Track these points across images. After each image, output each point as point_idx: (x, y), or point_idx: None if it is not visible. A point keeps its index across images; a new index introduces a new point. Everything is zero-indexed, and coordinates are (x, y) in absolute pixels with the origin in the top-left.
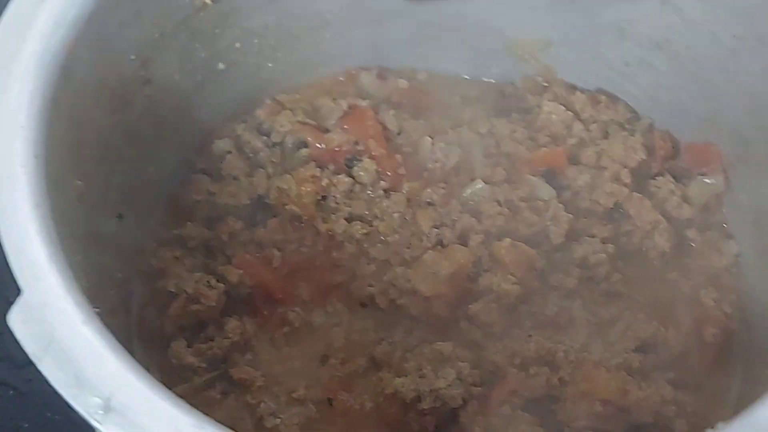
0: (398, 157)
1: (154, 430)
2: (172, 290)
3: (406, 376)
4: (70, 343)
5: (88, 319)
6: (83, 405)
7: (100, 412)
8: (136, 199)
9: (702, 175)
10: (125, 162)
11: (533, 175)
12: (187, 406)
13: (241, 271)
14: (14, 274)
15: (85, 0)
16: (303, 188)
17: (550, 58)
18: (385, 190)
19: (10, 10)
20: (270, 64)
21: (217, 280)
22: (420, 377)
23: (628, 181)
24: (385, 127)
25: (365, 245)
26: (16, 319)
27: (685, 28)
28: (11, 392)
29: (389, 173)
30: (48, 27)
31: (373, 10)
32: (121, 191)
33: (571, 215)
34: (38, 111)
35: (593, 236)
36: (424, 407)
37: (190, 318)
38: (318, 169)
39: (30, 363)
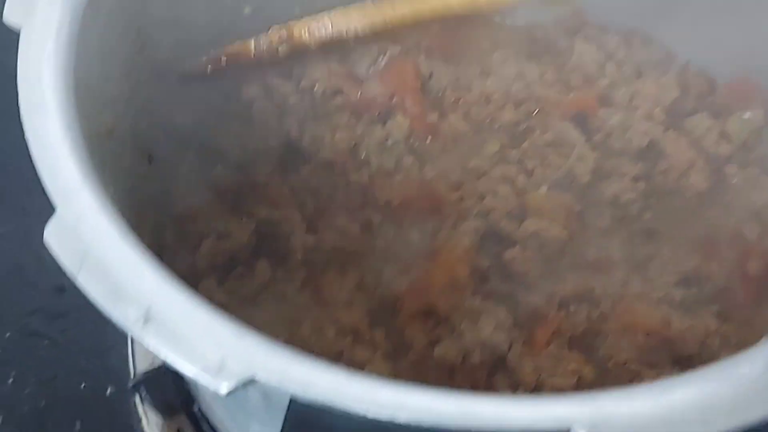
0: (434, 116)
1: (194, 340)
2: (202, 231)
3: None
4: (106, 256)
5: (124, 233)
6: (122, 316)
7: (140, 322)
8: (165, 143)
9: (741, 110)
10: (153, 104)
11: (563, 120)
12: (227, 316)
13: (270, 207)
14: (48, 194)
15: None
16: (338, 135)
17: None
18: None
19: None
20: (297, 10)
21: (248, 218)
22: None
23: (662, 118)
24: (422, 82)
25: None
26: (50, 234)
27: None
28: (46, 342)
29: (421, 132)
30: None
31: None
32: (151, 133)
33: (596, 153)
34: (66, 40)
35: (623, 175)
36: (474, 362)
37: (222, 256)
38: (353, 118)
39: (64, 313)
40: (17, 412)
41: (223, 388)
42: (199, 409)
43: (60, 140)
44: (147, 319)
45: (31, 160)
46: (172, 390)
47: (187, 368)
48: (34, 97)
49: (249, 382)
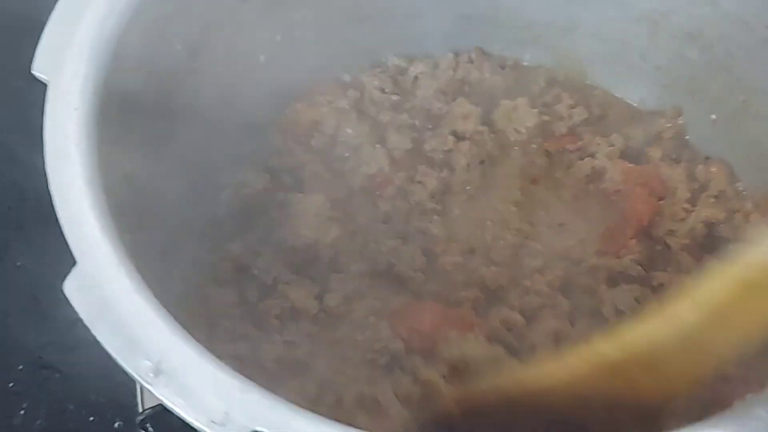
0: None
1: (201, 392)
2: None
3: None
4: (122, 309)
5: (139, 288)
6: (135, 368)
7: (151, 374)
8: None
9: None
10: (172, 151)
11: None
12: (233, 370)
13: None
14: (69, 246)
15: None
16: None
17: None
18: None
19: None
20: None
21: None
22: None
23: None
24: None
25: None
26: (71, 287)
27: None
28: (57, 375)
29: None
30: (99, 15)
31: (410, 4)
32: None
33: None
34: (91, 94)
35: None
36: None
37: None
38: None
39: (76, 347)
40: None
41: None
42: None
43: (82, 194)
44: (158, 371)
45: (48, 194)
46: (178, 426)
47: (193, 420)
48: (59, 151)
49: None
